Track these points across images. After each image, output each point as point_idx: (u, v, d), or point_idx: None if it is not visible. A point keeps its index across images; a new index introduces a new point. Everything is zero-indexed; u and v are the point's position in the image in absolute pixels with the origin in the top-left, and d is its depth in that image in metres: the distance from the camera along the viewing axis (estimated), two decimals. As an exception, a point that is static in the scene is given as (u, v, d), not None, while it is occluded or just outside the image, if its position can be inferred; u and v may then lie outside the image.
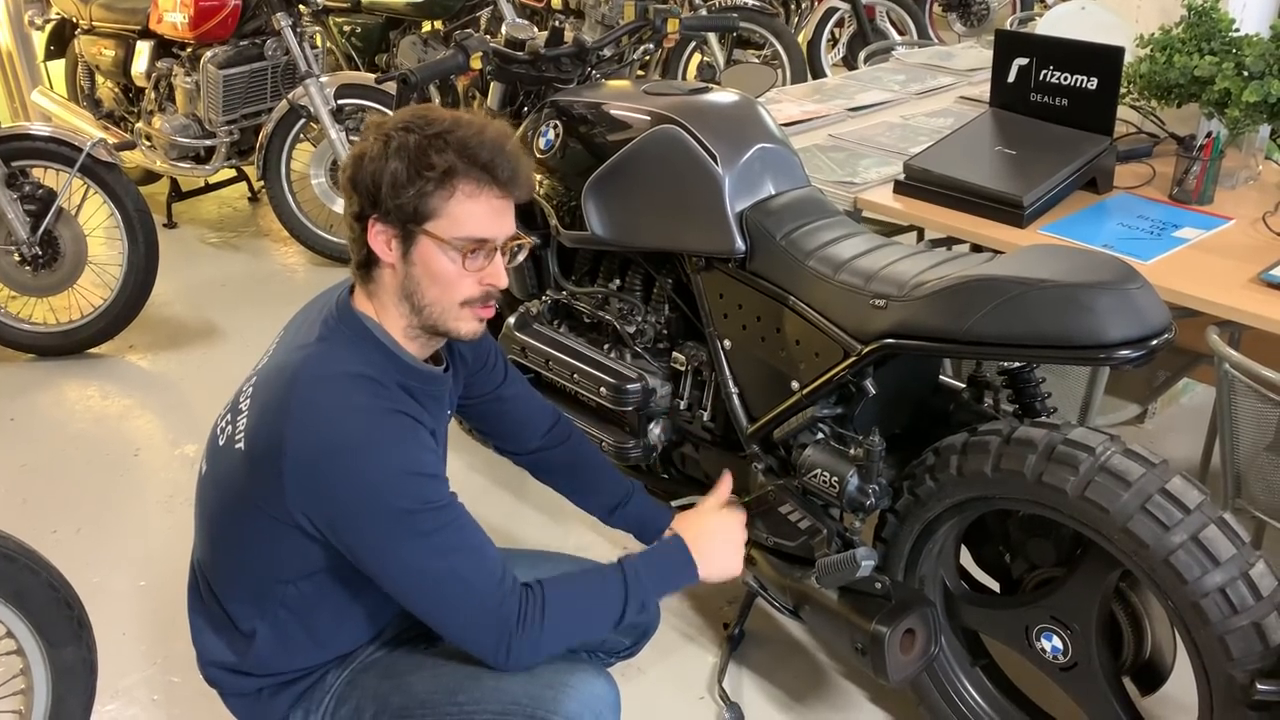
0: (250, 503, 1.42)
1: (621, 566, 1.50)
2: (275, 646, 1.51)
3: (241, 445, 1.42)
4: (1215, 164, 2.24)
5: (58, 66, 5.16)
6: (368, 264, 1.44)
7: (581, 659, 1.69)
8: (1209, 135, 2.25)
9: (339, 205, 4.22)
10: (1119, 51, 2.28)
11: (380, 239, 1.41)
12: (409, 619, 1.46)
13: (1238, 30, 2.32)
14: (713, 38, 5.36)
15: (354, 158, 1.41)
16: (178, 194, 4.78)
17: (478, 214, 1.41)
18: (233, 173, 4.80)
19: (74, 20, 4.78)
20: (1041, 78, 2.40)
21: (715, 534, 1.58)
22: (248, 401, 1.45)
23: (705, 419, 2.12)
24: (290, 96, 4.02)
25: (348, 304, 1.47)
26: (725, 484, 1.69)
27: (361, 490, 1.35)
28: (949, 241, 2.54)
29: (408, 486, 1.37)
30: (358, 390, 1.38)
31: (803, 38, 5.95)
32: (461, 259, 1.42)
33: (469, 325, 1.47)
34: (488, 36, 2.99)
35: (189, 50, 4.30)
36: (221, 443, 1.48)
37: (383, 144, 1.38)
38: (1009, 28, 3.82)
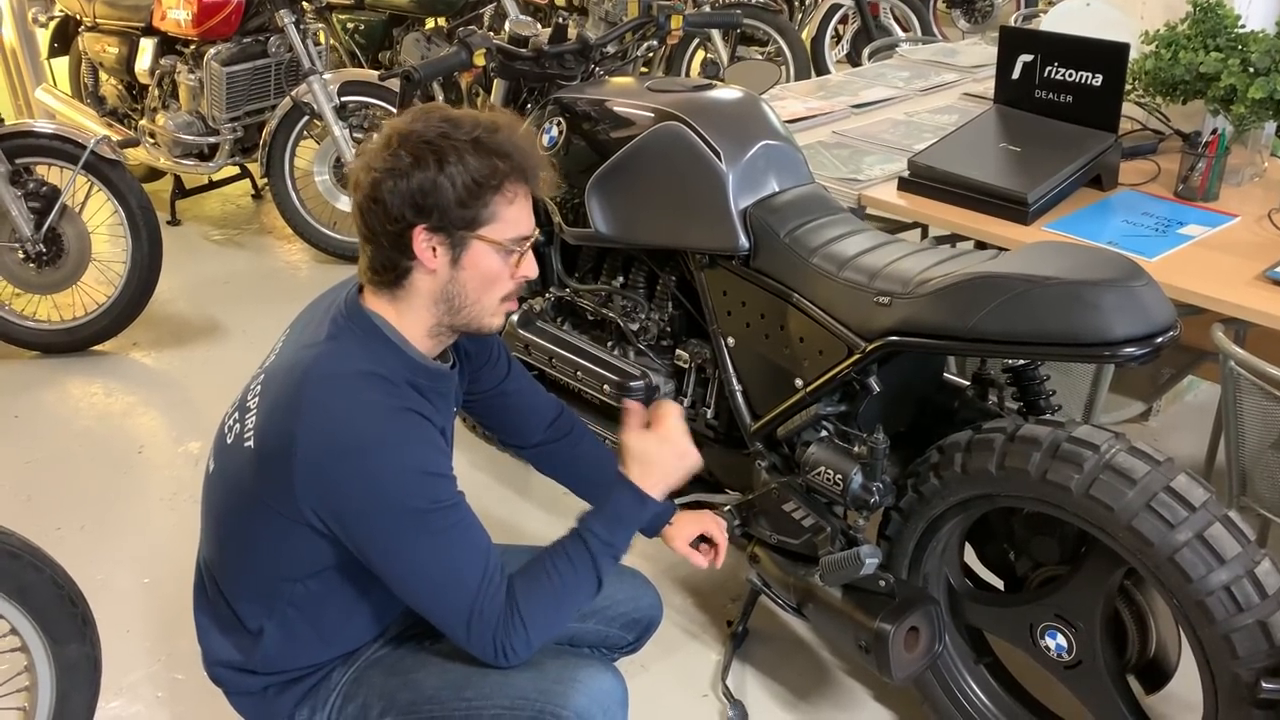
0: (259, 501, 1.41)
1: (581, 537, 1.46)
2: (282, 645, 1.51)
3: (250, 444, 1.42)
4: (1220, 161, 2.23)
5: (61, 64, 5.16)
6: (402, 273, 1.42)
7: (587, 654, 1.69)
8: (1214, 132, 2.25)
9: (342, 202, 4.22)
10: (1124, 48, 2.28)
11: (426, 247, 1.39)
12: (414, 616, 1.47)
13: (1243, 26, 2.32)
14: (716, 34, 5.35)
15: (385, 172, 1.36)
16: (181, 191, 4.78)
17: (525, 213, 1.45)
18: (236, 170, 4.80)
19: (78, 17, 4.78)
20: (1046, 74, 2.40)
21: (652, 456, 1.52)
22: (256, 400, 1.44)
23: (709, 416, 2.12)
24: (294, 94, 4.02)
25: (357, 302, 1.46)
26: (633, 414, 1.59)
27: (373, 489, 1.35)
28: (953, 238, 2.54)
29: (419, 486, 1.36)
30: (368, 388, 1.37)
31: (806, 34, 5.96)
32: (515, 258, 1.45)
33: (500, 319, 1.50)
34: (491, 33, 2.98)
35: (192, 47, 4.31)
36: (229, 441, 1.48)
37: (423, 154, 1.35)
38: (1013, 24, 3.81)
